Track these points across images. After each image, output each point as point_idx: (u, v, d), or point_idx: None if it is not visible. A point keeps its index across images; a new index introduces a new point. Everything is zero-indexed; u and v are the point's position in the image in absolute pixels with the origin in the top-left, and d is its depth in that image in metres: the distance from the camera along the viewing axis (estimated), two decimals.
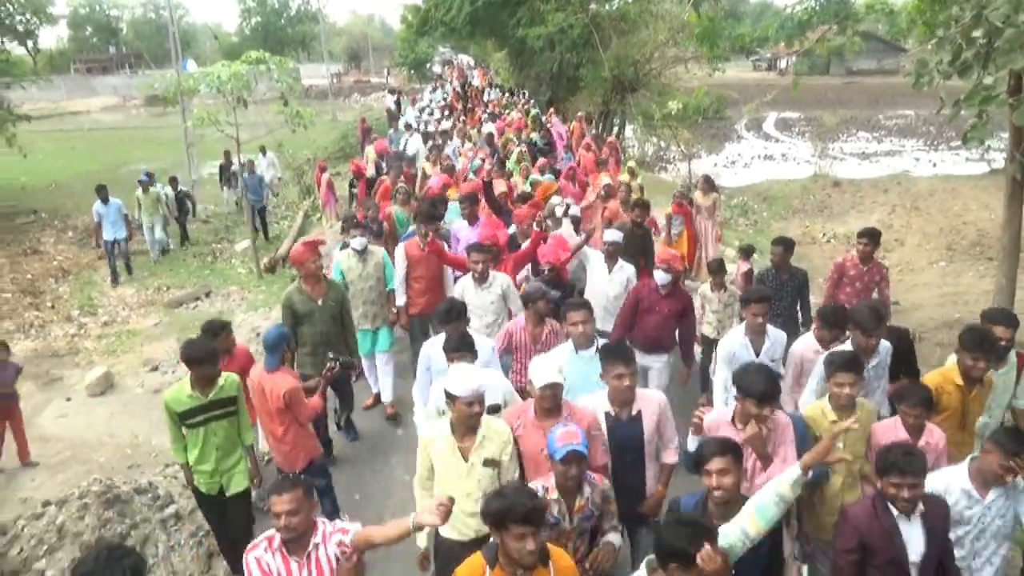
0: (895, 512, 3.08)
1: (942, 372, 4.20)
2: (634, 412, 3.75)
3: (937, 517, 3.16)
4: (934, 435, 3.80)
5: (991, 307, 4.85)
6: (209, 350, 4.42)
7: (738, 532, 2.84)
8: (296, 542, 3.07)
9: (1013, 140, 5.35)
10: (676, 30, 19.20)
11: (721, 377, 4.83)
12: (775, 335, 4.86)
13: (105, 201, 11.97)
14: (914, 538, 3.10)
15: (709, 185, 9.94)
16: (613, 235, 6.31)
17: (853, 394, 3.73)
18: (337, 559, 3.12)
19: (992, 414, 4.41)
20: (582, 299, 4.89)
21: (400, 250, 6.54)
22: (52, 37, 20.47)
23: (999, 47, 4.38)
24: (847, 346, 4.28)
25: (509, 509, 2.66)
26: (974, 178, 18.94)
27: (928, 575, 3.14)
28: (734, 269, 8.73)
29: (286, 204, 18.16)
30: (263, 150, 16.37)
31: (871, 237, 6.17)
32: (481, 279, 5.58)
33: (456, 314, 4.77)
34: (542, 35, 21.63)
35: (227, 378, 4.49)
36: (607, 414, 3.76)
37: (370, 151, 14.31)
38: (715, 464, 2.97)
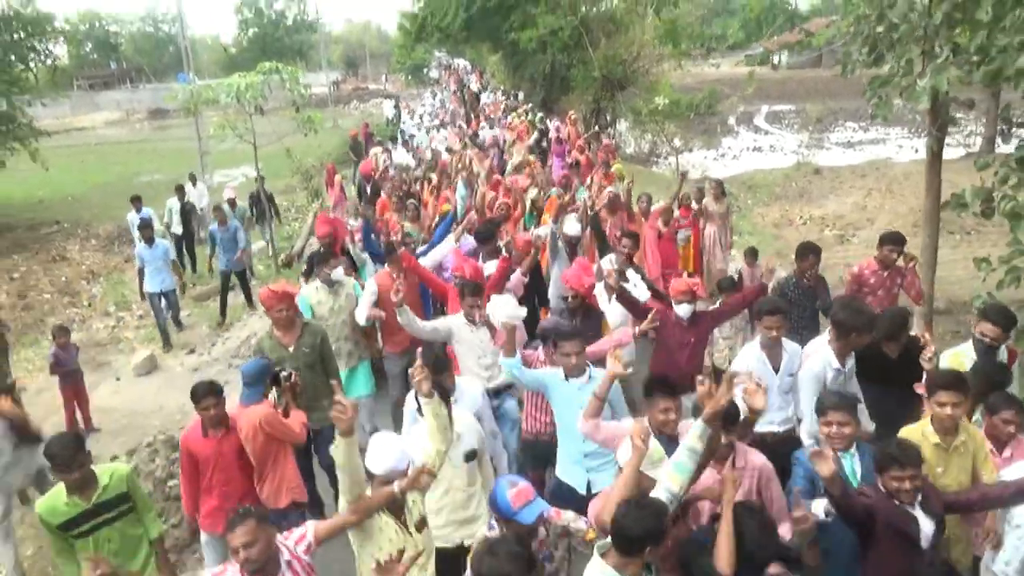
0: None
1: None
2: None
3: (935, 503, 3.24)
4: (1022, 446, 3.74)
5: (991, 303, 4.75)
6: (68, 450, 3.65)
7: (664, 492, 2.93)
8: (264, 571, 2.91)
9: (930, 117, 6.29)
10: (658, 30, 20.25)
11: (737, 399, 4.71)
12: (792, 349, 4.60)
13: (139, 210, 11.50)
14: (922, 524, 3.18)
15: (721, 191, 9.45)
16: (572, 227, 6.52)
17: (956, 415, 3.55)
18: (310, 564, 3.11)
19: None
20: (574, 328, 4.65)
21: (371, 283, 6.17)
22: (55, 54, 21.45)
23: (898, 39, 5.34)
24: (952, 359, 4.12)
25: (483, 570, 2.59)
26: (949, 161, 19.77)
27: (934, 559, 3.28)
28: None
29: (296, 207, 19.15)
30: (193, 179, 14.49)
31: (897, 243, 5.65)
32: (474, 319, 5.12)
33: (440, 367, 4.14)
34: (534, 38, 22.70)
35: (113, 473, 3.86)
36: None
37: (376, 151, 15.18)
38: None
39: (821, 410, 3.62)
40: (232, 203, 12.38)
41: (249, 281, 10.93)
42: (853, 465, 3.57)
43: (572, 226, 6.60)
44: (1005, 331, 4.24)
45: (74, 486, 3.71)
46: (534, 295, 6.76)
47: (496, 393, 5.13)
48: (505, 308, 3.93)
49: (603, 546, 2.84)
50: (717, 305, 6.03)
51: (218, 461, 4.32)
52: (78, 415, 7.56)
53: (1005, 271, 5.77)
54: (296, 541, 3.09)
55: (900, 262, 5.71)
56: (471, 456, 3.99)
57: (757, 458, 3.61)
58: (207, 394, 4.23)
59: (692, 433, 2.99)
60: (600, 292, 5.71)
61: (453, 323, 5.24)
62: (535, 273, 6.55)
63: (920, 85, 5.13)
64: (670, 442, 3.54)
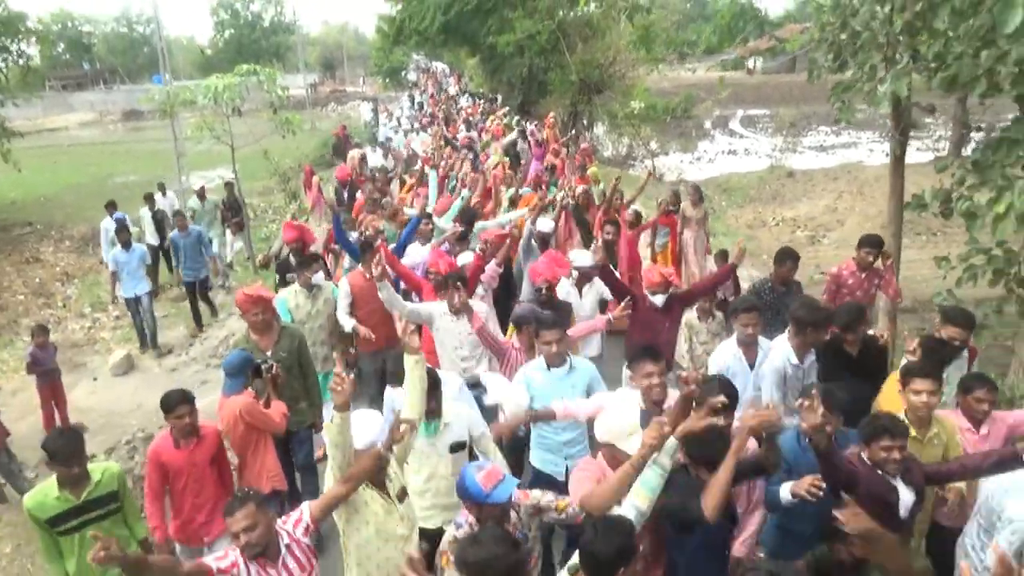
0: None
1: (896, 390, 4.03)
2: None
3: (916, 475, 3.33)
4: (1000, 419, 3.89)
5: (950, 305, 4.95)
6: (70, 444, 3.75)
7: (631, 509, 2.90)
8: (265, 555, 2.98)
9: (893, 122, 6.52)
10: (632, 36, 20.54)
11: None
12: (767, 346, 4.72)
13: (113, 215, 11.06)
14: (904, 493, 3.28)
15: (698, 196, 9.50)
16: (545, 224, 6.65)
17: (932, 404, 3.62)
18: (310, 547, 3.17)
19: (945, 405, 4.34)
20: (555, 316, 4.75)
21: (344, 283, 6.17)
22: (28, 54, 21.17)
23: (861, 46, 5.56)
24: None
25: (489, 562, 2.50)
26: (918, 165, 20.27)
27: (911, 528, 3.41)
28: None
29: (273, 209, 19.11)
30: (162, 188, 13.34)
31: (875, 246, 5.79)
32: (457, 310, 5.19)
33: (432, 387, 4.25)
34: (512, 42, 22.85)
35: (105, 471, 3.90)
36: (642, 411, 3.71)
37: (354, 154, 15.23)
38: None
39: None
40: (201, 194, 12.16)
41: (209, 290, 10.44)
42: None
43: (545, 223, 6.75)
44: (968, 331, 4.37)
45: (67, 481, 3.72)
46: (505, 288, 6.87)
47: (474, 385, 5.17)
48: (510, 396, 3.87)
49: (573, 567, 2.76)
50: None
51: (191, 471, 4.24)
52: (56, 415, 7.56)
53: (963, 269, 6.01)
54: (294, 524, 3.14)
55: (878, 263, 5.86)
56: (457, 448, 4.05)
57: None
58: (180, 402, 4.14)
59: (663, 451, 2.94)
60: (562, 285, 5.83)
61: (435, 310, 5.34)
62: (506, 266, 6.65)
63: (881, 90, 5.34)
64: (655, 406, 3.74)
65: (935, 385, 3.61)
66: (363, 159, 14.56)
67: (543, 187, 9.94)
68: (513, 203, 8.98)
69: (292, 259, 6.61)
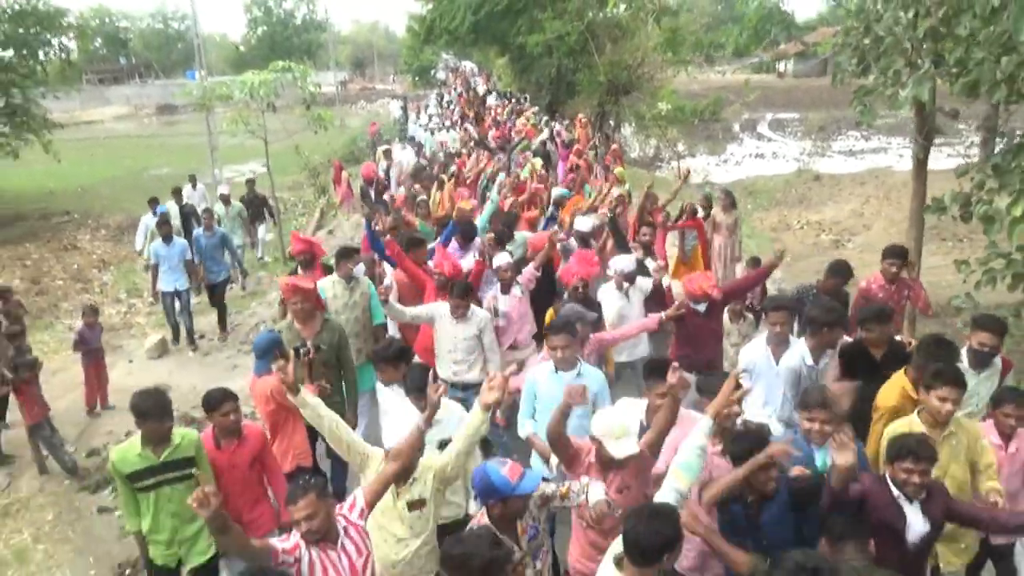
0: (896, 493, 3.23)
1: (897, 388, 4.12)
2: None
3: (938, 504, 3.24)
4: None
5: (982, 313, 4.80)
6: (160, 403, 3.89)
7: (671, 492, 2.98)
8: (326, 539, 3.08)
9: (917, 126, 6.59)
10: (659, 38, 20.59)
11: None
12: (797, 345, 4.72)
13: (155, 211, 10.89)
14: (915, 519, 3.21)
15: (730, 201, 9.40)
16: (584, 224, 6.65)
17: (952, 412, 3.58)
18: (365, 530, 3.25)
19: (972, 415, 4.31)
20: (564, 322, 4.68)
21: (389, 279, 6.40)
22: (68, 48, 21.94)
23: (884, 51, 5.65)
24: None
25: (467, 558, 2.54)
26: (947, 171, 20.15)
27: (921, 555, 3.30)
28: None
29: (303, 203, 19.51)
30: (193, 181, 13.68)
31: (899, 257, 5.68)
32: (459, 316, 5.35)
33: (388, 358, 4.53)
34: (541, 42, 23.01)
35: (184, 436, 4.00)
36: (641, 424, 3.75)
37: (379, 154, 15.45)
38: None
39: (805, 406, 3.71)
40: (226, 200, 11.81)
41: (224, 295, 10.08)
42: (826, 460, 3.63)
43: (583, 222, 6.76)
44: (999, 337, 4.25)
45: (151, 440, 3.86)
46: (547, 290, 6.71)
47: (464, 387, 5.35)
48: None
49: (618, 557, 2.75)
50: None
51: (231, 473, 4.15)
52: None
53: (982, 273, 6.07)
54: (350, 508, 3.25)
55: (905, 274, 5.76)
56: (445, 445, 3.98)
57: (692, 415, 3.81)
58: (224, 399, 4.05)
59: (700, 431, 3.07)
60: (609, 290, 5.89)
61: (437, 311, 5.49)
62: (548, 269, 6.60)
63: (903, 95, 5.43)
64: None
65: (960, 395, 3.55)
66: (387, 153, 14.78)
67: (579, 189, 9.90)
68: (558, 204, 8.86)
69: (300, 271, 6.57)
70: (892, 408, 4.03)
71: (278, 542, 3.06)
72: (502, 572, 2.55)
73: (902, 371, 4.14)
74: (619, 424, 3.38)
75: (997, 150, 6.49)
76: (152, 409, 3.81)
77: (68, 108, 48.91)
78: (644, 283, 5.97)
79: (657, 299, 5.87)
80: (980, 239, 12.81)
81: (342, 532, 3.15)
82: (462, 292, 5.33)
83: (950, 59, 5.30)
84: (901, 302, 5.79)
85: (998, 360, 4.35)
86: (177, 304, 9.35)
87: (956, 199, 5.79)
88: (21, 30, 20.10)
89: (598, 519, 3.28)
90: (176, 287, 9.16)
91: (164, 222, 9.44)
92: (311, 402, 3.70)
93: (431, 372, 4.37)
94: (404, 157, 14.70)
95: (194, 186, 13.55)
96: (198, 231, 9.81)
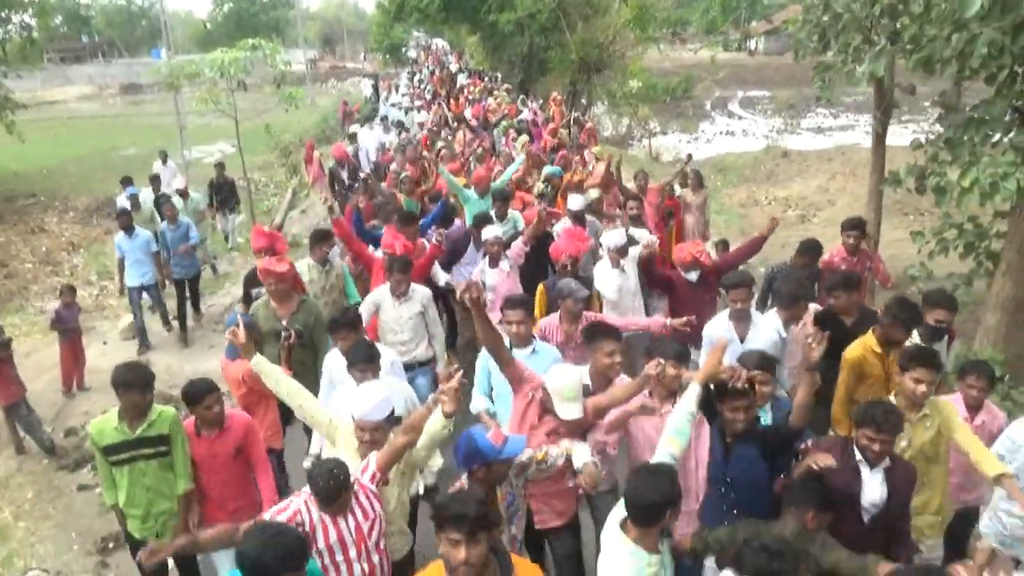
0: (858, 456, 3.31)
1: (861, 343, 4.34)
2: None
3: (901, 480, 3.30)
4: (992, 414, 3.96)
5: (933, 289, 4.92)
6: (143, 374, 3.91)
7: (666, 456, 3.09)
8: (336, 503, 3.08)
9: (876, 102, 6.79)
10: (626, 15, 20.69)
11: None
12: (758, 319, 4.82)
13: (127, 192, 10.28)
14: (871, 485, 3.28)
15: (699, 181, 9.65)
16: (576, 203, 6.59)
17: (929, 394, 3.62)
18: (374, 492, 3.25)
19: None
20: (520, 297, 4.80)
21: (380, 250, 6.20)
22: (29, 25, 21.30)
23: (843, 28, 5.83)
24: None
25: (441, 510, 2.52)
26: (909, 148, 20.59)
27: (876, 527, 3.31)
28: None
29: (274, 183, 19.37)
30: (163, 157, 13.15)
31: (857, 229, 5.88)
32: (400, 294, 5.34)
33: (346, 323, 4.50)
34: (512, 20, 22.98)
35: (160, 413, 3.96)
36: (585, 386, 3.78)
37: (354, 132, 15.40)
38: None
39: (744, 367, 3.68)
40: (183, 194, 10.82)
41: (199, 285, 9.65)
42: (766, 419, 3.81)
43: (576, 201, 6.76)
44: (952, 313, 4.42)
45: (127, 413, 3.88)
46: (537, 264, 6.65)
47: (408, 367, 5.27)
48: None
49: (622, 520, 2.81)
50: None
51: (212, 463, 4.06)
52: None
53: (936, 242, 6.33)
54: (362, 472, 3.27)
55: (866, 246, 5.92)
56: (396, 422, 3.95)
57: None
58: (208, 391, 3.94)
59: (689, 397, 3.22)
60: (604, 267, 5.83)
61: (377, 296, 5.45)
62: (541, 247, 6.46)
63: (859, 71, 5.62)
64: (607, 383, 3.86)
65: (934, 377, 3.59)
66: (352, 137, 14.65)
67: (570, 167, 9.67)
68: (547, 182, 8.80)
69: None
70: (854, 359, 4.26)
71: (273, 515, 3.07)
72: (482, 531, 2.51)
73: (870, 330, 4.36)
74: (571, 386, 3.50)
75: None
76: (135, 380, 3.83)
77: (29, 88, 47.62)
78: (635, 252, 5.89)
79: (648, 270, 5.77)
80: (940, 213, 13.29)
81: (353, 499, 3.17)
82: (402, 266, 5.30)
83: (905, 36, 5.49)
84: (864, 273, 5.92)
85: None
86: (147, 299, 8.89)
87: (911, 172, 6.01)
88: None
89: (592, 481, 3.35)
90: (142, 282, 8.65)
91: (123, 213, 8.90)
92: (266, 368, 3.74)
93: (374, 348, 4.22)
94: (371, 138, 14.54)
95: (164, 162, 12.99)
96: (163, 225, 9.10)
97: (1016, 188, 4.86)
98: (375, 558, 3.23)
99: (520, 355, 4.30)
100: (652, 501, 2.69)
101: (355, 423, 3.41)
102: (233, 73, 11.16)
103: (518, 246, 6.17)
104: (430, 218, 7.47)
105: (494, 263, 5.98)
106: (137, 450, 3.91)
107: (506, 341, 4.31)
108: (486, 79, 25.69)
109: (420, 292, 5.46)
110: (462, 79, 26.52)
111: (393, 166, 10.75)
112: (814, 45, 6.47)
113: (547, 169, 9.30)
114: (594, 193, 7.98)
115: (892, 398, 3.76)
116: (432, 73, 29.80)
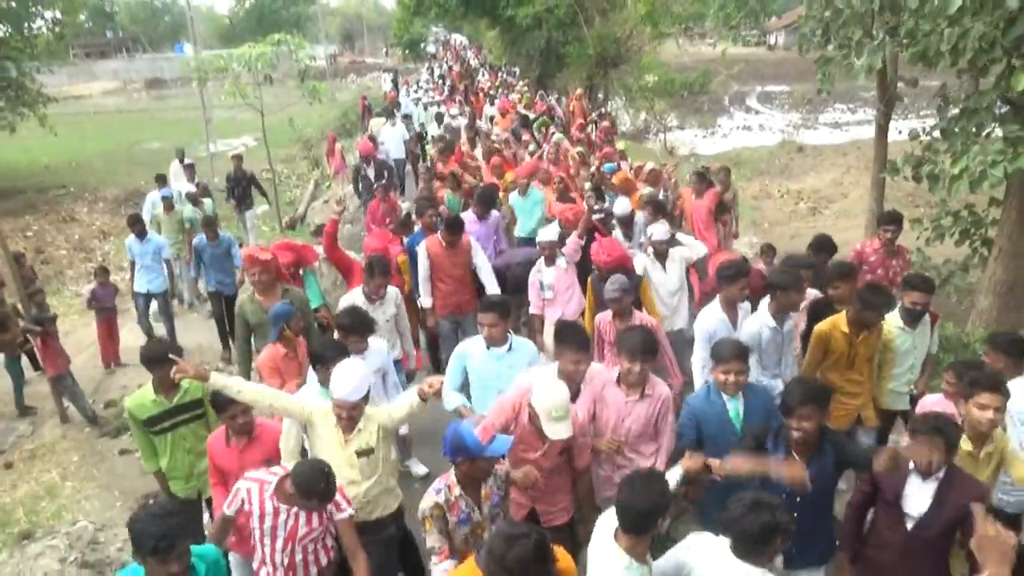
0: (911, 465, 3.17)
1: (831, 320, 4.49)
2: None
3: (958, 493, 3.08)
4: None
5: (913, 273, 4.98)
6: (168, 349, 4.20)
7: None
8: (322, 503, 3.28)
9: (878, 94, 7.05)
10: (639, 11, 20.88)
11: (700, 356, 4.66)
12: (747, 308, 4.84)
13: (161, 192, 9.97)
14: (919, 494, 3.16)
15: (728, 179, 9.03)
16: (622, 207, 6.67)
17: (997, 421, 3.33)
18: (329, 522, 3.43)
19: (914, 367, 4.69)
20: (495, 299, 4.77)
21: (421, 248, 6.15)
22: (62, 21, 21.91)
23: (844, 22, 6.11)
24: None
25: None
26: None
27: (918, 535, 3.18)
28: None
29: (296, 175, 19.85)
30: (180, 156, 12.41)
31: (894, 223, 5.70)
32: (378, 297, 5.33)
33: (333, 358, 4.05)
34: (530, 14, 23.26)
35: (190, 381, 4.12)
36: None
37: (374, 124, 15.77)
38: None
39: (719, 358, 3.78)
40: (195, 199, 10.15)
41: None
42: (738, 408, 3.79)
43: (622, 205, 6.82)
44: (928, 295, 4.49)
45: (162, 386, 4.19)
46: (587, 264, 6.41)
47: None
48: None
49: (613, 528, 2.81)
50: None
51: (239, 474, 3.85)
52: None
53: (932, 229, 6.59)
54: (336, 507, 3.40)
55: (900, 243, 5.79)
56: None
57: (663, 389, 3.97)
58: (231, 401, 3.84)
59: (672, 476, 3.23)
60: (650, 260, 5.82)
61: (351, 297, 5.42)
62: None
63: (858, 64, 5.89)
64: (572, 384, 3.79)
65: (1003, 402, 3.29)
66: (372, 139, 14.89)
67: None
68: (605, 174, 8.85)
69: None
70: (821, 333, 4.46)
71: (226, 508, 3.42)
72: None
73: (844, 311, 4.51)
74: (559, 404, 3.39)
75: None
76: (163, 355, 4.01)
77: (56, 83, 48.60)
78: (681, 252, 5.91)
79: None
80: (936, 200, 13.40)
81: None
82: (383, 268, 5.28)
83: (902, 30, 5.75)
84: (894, 277, 5.66)
85: (927, 315, 4.65)
86: (155, 306, 8.61)
87: (908, 161, 6.28)
88: (13, 3, 20.17)
89: (526, 482, 3.51)
90: (149, 288, 8.41)
91: (136, 220, 8.61)
92: (224, 383, 3.70)
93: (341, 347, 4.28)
94: (392, 135, 14.47)
95: (181, 161, 12.22)
96: (200, 238, 8.22)
97: (1003, 175, 5.12)
98: (298, 557, 3.40)
99: (496, 353, 4.42)
100: (644, 508, 2.69)
101: (334, 402, 3.58)
102: (260, 67, 11.57)
103: (574, 240, 6.11)
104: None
105: (550, 262, 5.99)
106: (176, 417, 4.27)
107: (479, 342, 4.49)
108: (501, 73, 26.02)
109: (391, 292, 5.45)
110: (481, 76, 26.82)
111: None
112: (817, 39, 6.75)
113: (606, 166, 9.27)
114: (648, 189, 8.05)
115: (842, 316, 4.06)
116: (451, 68, 30.16)
